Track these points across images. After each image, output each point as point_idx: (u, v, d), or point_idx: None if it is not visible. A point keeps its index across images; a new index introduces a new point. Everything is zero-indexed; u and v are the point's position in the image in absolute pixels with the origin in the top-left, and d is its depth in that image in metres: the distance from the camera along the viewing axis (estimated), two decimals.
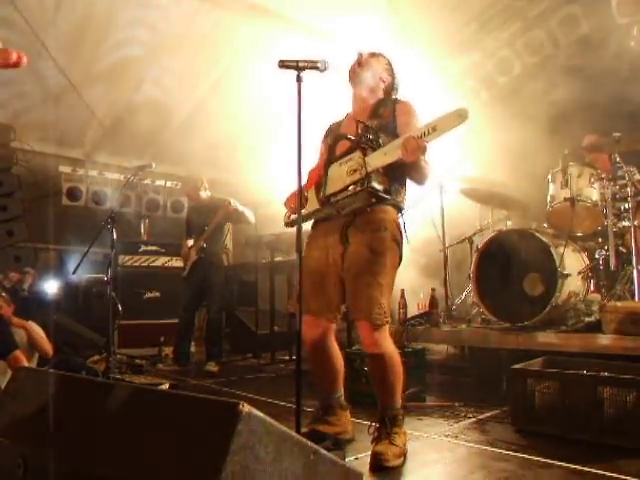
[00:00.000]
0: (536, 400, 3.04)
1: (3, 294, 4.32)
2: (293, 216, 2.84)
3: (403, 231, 2.75)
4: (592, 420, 2.81)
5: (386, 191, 2.58)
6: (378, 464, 2.49)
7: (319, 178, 2.73)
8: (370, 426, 2.74)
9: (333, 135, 2.91)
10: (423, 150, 2.37)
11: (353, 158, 2.57)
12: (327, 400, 2.89)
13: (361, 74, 2.85)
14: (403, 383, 2.74)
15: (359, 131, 2.58)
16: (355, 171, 2.53)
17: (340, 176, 2.61)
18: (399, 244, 2.72)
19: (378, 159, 2.49)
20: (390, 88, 2.97)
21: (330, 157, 2.76)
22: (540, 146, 5.47)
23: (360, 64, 2.88)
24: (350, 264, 2.65)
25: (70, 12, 5.42)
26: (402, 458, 2.61)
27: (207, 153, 6.95)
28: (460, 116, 2.29)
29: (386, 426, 2.64)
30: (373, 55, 2.96)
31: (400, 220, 2.76)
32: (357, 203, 2.63)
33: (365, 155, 2.52)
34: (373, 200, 2.60)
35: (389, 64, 2.99)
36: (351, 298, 2.67)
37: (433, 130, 2.34)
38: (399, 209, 2.77)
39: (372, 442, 2.66)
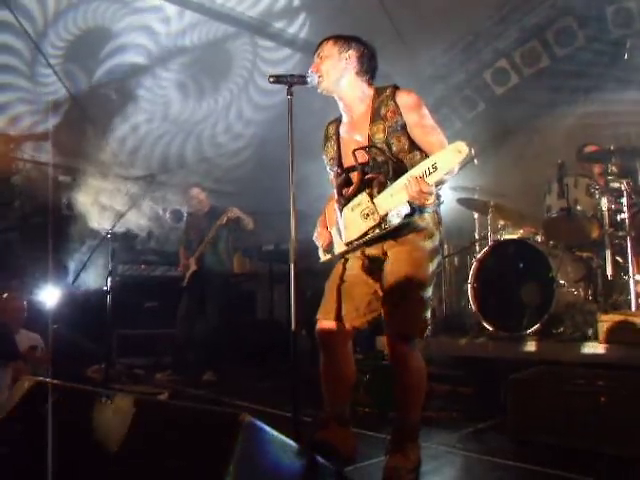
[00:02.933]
0: (534, 410, 3.06)
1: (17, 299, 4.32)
2: (324, 256, 2.79)
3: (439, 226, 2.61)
4: (590, 429, 2.82)
5: (413, 211, 2.39)
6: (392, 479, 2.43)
7: (335, 221, 2.64)
8: (385, 438, 2.66)
9: (331, 141, 2.76)
10: (429, 193, 2.23)
11: (362, 202, 2.44)
12: (333, 411, 2.76)
13: (321, 73, 2.63)
14: None
15: (359, 162, 2.49)
16: (368, 215, 2.42)
17: (355, 222, 2.49)
18: (439, 252, 2.63)
19: (387, 201, 2.37)
20: (360, 61, 2.69)
21: (340, 197, 2.62)
22: (537, 156, 5.52)
23: (315, 69, 2.65)
24: (389, 276, 2.53)
25: (70, 20, 5.47)
26: (415, 473, 2.51)
27: (206, 163, 6.99)
28: (459, 152, 2.19)
29: (402, 439, 2.54)
30: (320, 48, 2.70)
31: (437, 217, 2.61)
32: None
33: (372, 196, 2.41)
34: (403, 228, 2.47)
35: (339, 40, 2.70)
36: (387, 311, 2.54)
37: (434, 169, 2.21)
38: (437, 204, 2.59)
39: (385, 455, 2.56)
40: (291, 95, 2.44)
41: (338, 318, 2.64)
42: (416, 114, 2.54)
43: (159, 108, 6.37)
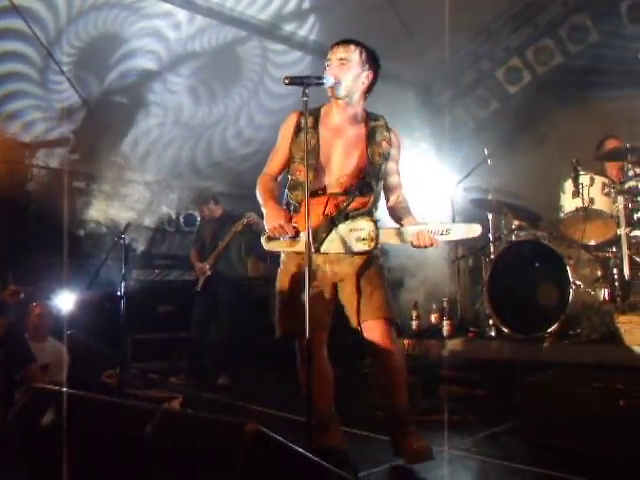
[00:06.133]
0: (550, 413, 3.01)
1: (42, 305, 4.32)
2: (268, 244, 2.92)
3: None
4: (608, 433, 2.78)
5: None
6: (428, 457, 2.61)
7: (318, 225, 2.63)
8: (392, 433, 2.76)
9: (309, 133, 2.64)
10: (433, 245, 2.57)
11: (366, 228, 2.61)
12: (325, 415, 2.83)
13: (339, 80, 2.64)
14: (416, 395, 2.79)
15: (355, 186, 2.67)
16: (364, 240, 2.60)
17: (346, 239, 2.62)
18: None
19: (390, 237, 2.64)
20: (372, 82, 2.76)
21: (337, 208, 2.66)
22: (551, 155, 5.46)
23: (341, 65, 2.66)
24: (364, 273, 2.71)
25: (82, 27, 5.50)
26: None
27: (220, 167, 7.00)
28: (474, 232, 2.58)
29: (404, 426, 2.70)
30: (344, 52, 2.68)
31: None
32: None
33: (378, 227, 2.61)
34: None
35: (365, 51, 2.72)
36: (368, 301, 2.69)
37: (447, 233, 2.55)
38: None
39: (396, 448, 2.71)
40: (307, 97, 2.42)
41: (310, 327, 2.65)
42: (399, 153, 2.83)
43: (170, 113, 6.39)
